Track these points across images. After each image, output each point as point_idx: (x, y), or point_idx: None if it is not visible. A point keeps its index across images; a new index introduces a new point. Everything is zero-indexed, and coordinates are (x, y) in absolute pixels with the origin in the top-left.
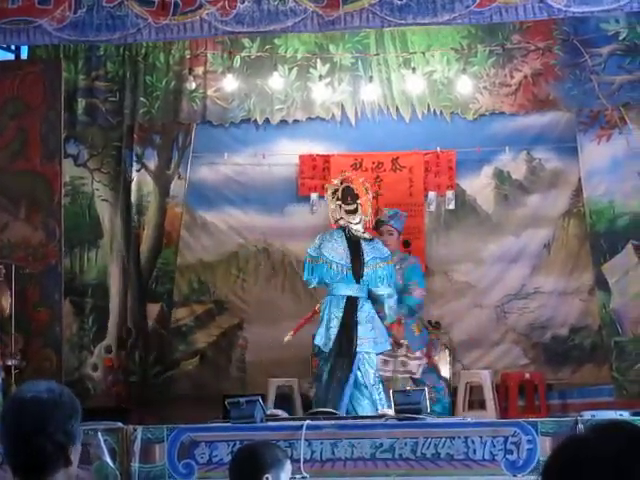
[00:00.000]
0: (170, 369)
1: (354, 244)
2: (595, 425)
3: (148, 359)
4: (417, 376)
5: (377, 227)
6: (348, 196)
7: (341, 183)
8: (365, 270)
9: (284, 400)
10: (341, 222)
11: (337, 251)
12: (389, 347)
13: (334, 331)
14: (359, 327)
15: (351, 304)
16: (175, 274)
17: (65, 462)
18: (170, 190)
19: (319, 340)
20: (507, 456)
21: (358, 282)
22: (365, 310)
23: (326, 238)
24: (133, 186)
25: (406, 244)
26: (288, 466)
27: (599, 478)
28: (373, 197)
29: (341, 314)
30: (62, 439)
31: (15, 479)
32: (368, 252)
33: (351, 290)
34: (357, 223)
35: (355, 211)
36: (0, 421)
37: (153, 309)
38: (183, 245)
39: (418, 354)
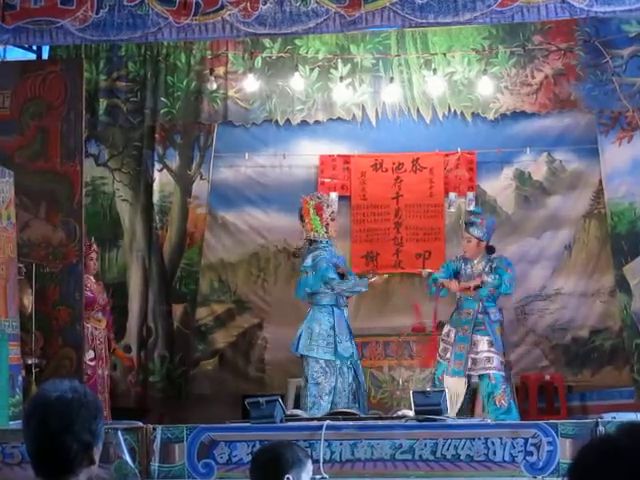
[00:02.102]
0: (190, 369)
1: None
2: (621, 426)
3: (174, 359)
4: (501, 373)
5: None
6: (299, 217)
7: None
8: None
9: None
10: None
11: None
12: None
13: None
14: None
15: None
16: (199, 275)
17: (89, 462)
18: (192, 190)
19: None
20: (527, 458)
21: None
22: None
23: None
24: (155, 186)
25: (490, 250)
26: (309, 466)
27: (626, 478)
28: (317, 213)
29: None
30: (88, 438)
31: (38, 479)
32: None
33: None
34: (303, 239)
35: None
36: (24, 420)
37: (177, 310)
38: (205, 245)
39: (496, 349)
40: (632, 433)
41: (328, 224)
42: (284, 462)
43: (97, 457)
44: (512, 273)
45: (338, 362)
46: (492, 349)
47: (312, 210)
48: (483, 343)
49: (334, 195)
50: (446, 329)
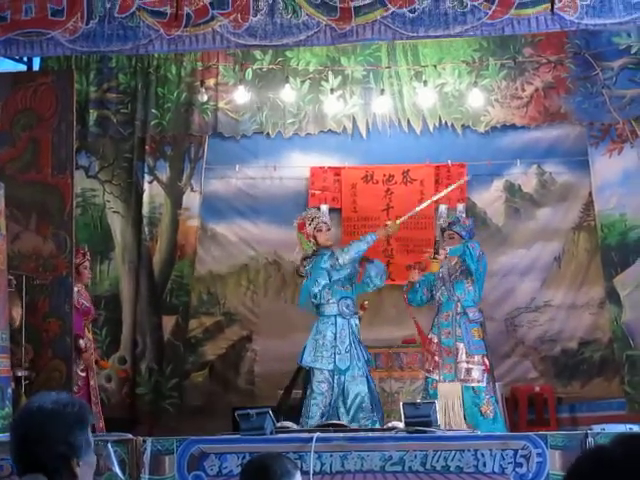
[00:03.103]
0: (181, 381)
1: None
2: (616, 437)
3: (164, 371)
4: (483, 384)
5: (442, 234)
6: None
7: None
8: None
9: (293, 412)
10: None
11: None
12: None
13: None
14: None
15: None
16: (190, 287)
17: (70, 474)
18: (182, 202)
19: None
20: (517, 469)
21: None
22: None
23: None
24: (145, 198)
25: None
26: (298, 478)
27: None
28: (300, 231)
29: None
30: (64, 450)
31: None
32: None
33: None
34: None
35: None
36: (10, 432)
37: (168, 321)
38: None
39: (477, 358)
40: (625, 444)
41: (315, 236)
42: (272, 474)
43: (84, 471)
44: (478, 249)
45: (336, 374)
46: (469, 359)
47: (297, 232)
48: (462, 352)
49: (325, 207)
50: (428, 338)
